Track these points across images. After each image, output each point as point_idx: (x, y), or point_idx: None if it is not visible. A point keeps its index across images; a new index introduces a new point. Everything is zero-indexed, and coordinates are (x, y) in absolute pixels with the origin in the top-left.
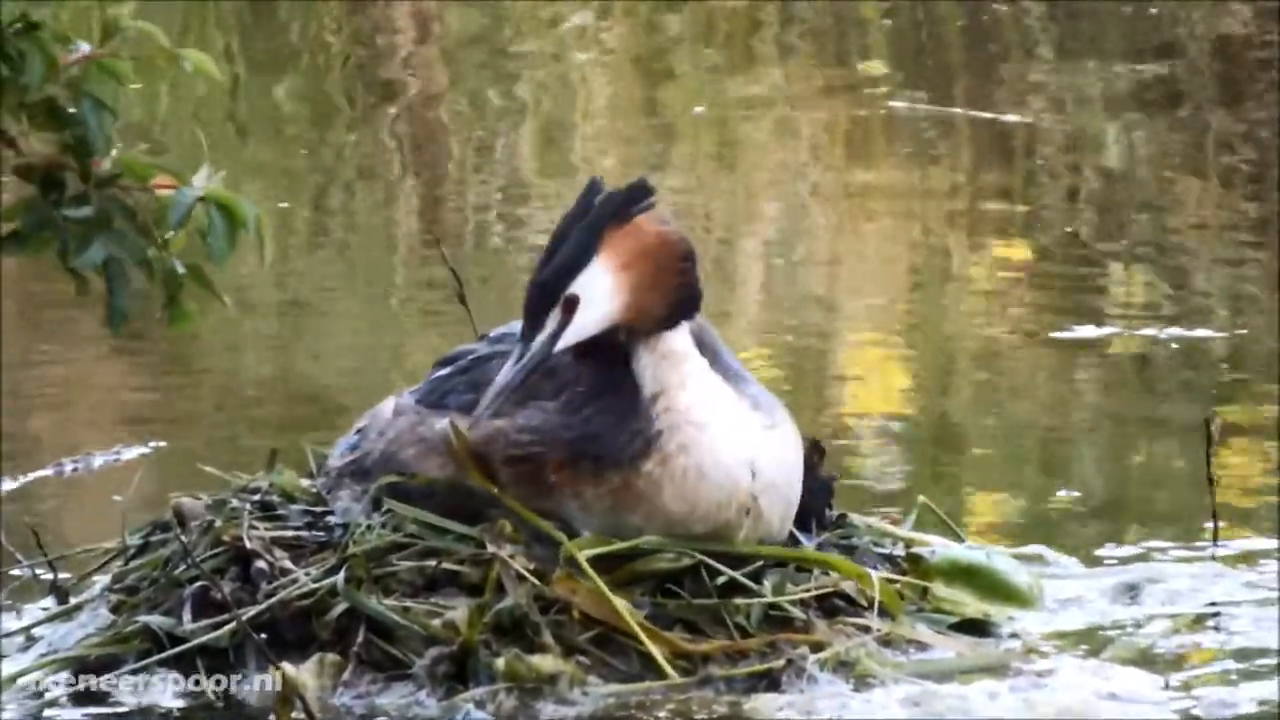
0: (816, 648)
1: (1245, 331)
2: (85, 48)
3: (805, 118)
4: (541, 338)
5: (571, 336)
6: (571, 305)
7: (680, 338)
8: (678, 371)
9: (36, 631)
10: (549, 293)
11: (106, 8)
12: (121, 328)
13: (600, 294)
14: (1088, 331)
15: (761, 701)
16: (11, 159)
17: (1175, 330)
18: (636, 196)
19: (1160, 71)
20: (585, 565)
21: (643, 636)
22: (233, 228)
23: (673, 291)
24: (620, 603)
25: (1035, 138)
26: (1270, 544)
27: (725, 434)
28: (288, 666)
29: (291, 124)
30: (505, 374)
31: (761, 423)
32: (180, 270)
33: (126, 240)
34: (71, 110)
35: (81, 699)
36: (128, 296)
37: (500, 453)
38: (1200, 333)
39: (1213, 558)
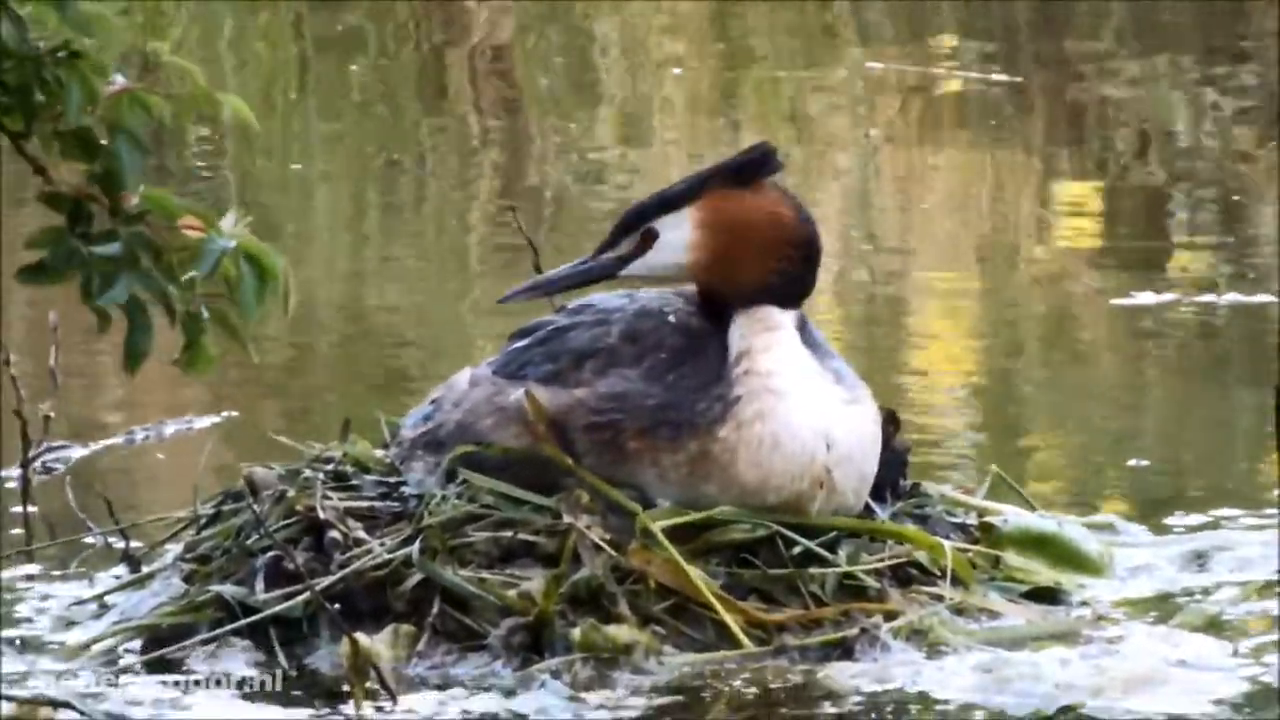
0: (890, 616)
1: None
2: (121, 80)
3: (878, 87)
4: (610, 255)
5: (639, 268)
6: (649, 238)
7: (779, 311)
8: (765, 337)
9: (109, 600)
10: (635, 218)
11: (149, 42)
12: (138, 368)
13: (675, 241)
14: (1148, 298)
15: (835, 670)
16: (40, 185)
17: (1234, 296)
18: (754, 161)
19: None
20: (660, 535)
21: (718, 606)
22: (262, 282)
23: (770, 274)
24: (695, 573)
25: (1106, 110)
26: None
27: (803, 405)
28: (362, 637)
29: (363, 92)
30: (559, 270)
31: (841, 396)
32: (204, 315)
33: (150, 279)
34: (103, 142)
35: (154, 667)
36: (149, 338)
37: (579, 421)
38: (1260, 298)
39: None
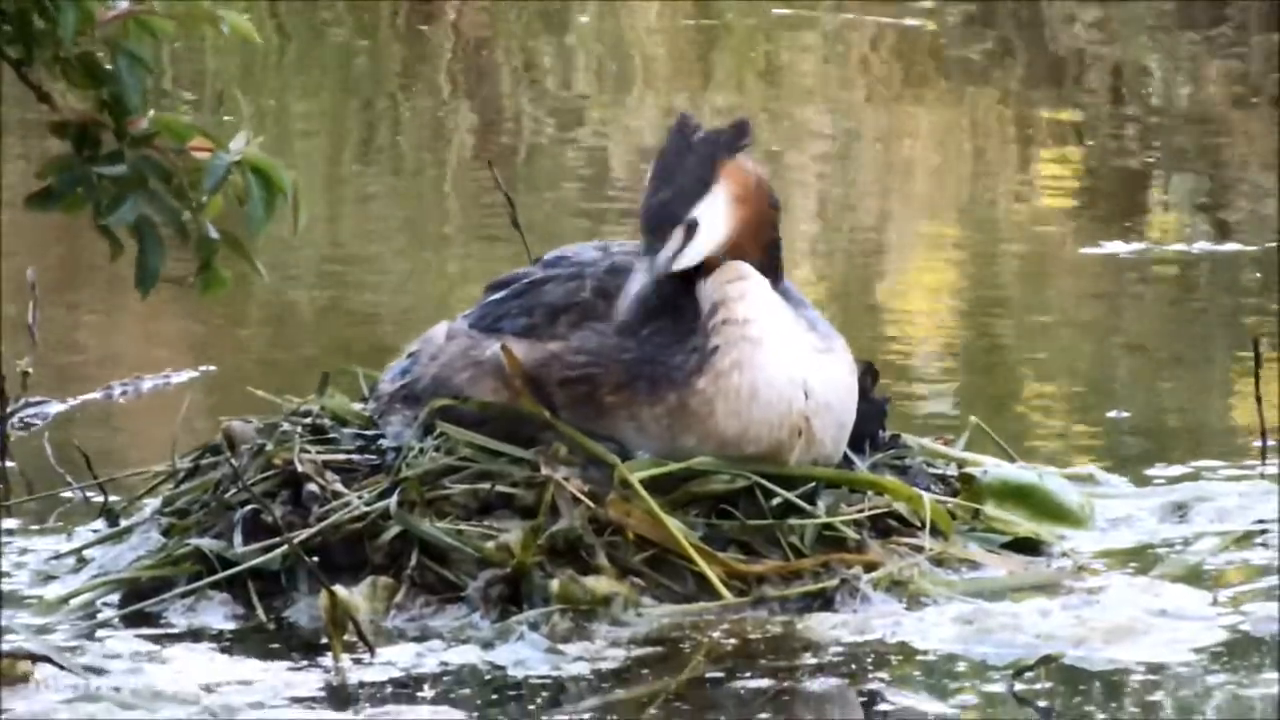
0: (870, 568)
1: (1271, 245)
2: (124, 3)
3: (854, 38)
4: (666, 254)
5: (690, 258)
6: (693, 229)
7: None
8: (738, 285)
9: (87, 554)
10: (670, 213)
11: None
12: (150, 289)
13: (716, 221)
14: (1125, 250)
15: (815, 621)
16: (47, 115)
17: (1210, 246)
18: (743, 134)
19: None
20: (638, 486)
21: (697, 558)
22: (270, 195)
23: (764, 243)
24: (674, 524)
25: (1084, 61)
26: None
27: (779, 353)
28: (340, 590)
29: (339, 49)
30: (638, 283)
31: (816, 345)
32: (214, 236)
33: (160, 201)
34: (108, 67)
35: (132, 621)
36: (160, 257)
37: (555, 375)
38: (1230, 247)
39: (1261, 476)
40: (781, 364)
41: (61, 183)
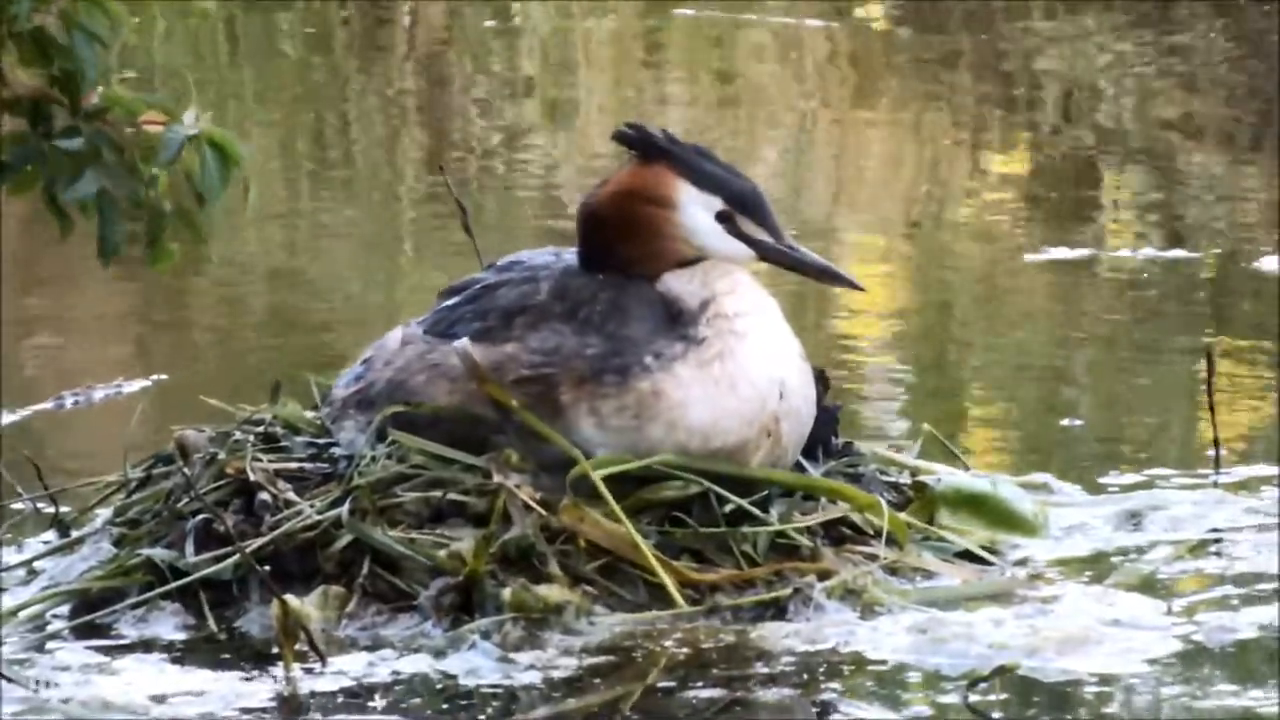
0: (823, 576)
1: (1219, 251)
2: None
3: (804, 42)
4: (775, 242)
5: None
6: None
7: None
8: (728, 279)
9: (38, 565)
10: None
11: None
12: (111, 260)
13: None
14: (1077, 257)
15: (769, 630)
16: None
17: (1161, 253)
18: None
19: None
20: (599, 484)
21: (655, 565)
22: (225, 167)
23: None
24: (630, 529)
25: (1032, 69)
26: (1271, 470)
27: (763, 349)
28: (291, 599)
29: (291, 56)
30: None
31: (798, 348)
32: (166, 210)
33: (116, 174)
34: (61, 43)
35: (83, 632)
36: (119, 229)
37: (510, 375)
38: (1181, 253)
39: (1214, 484)
40: (764, 361)
41: (15, 158)
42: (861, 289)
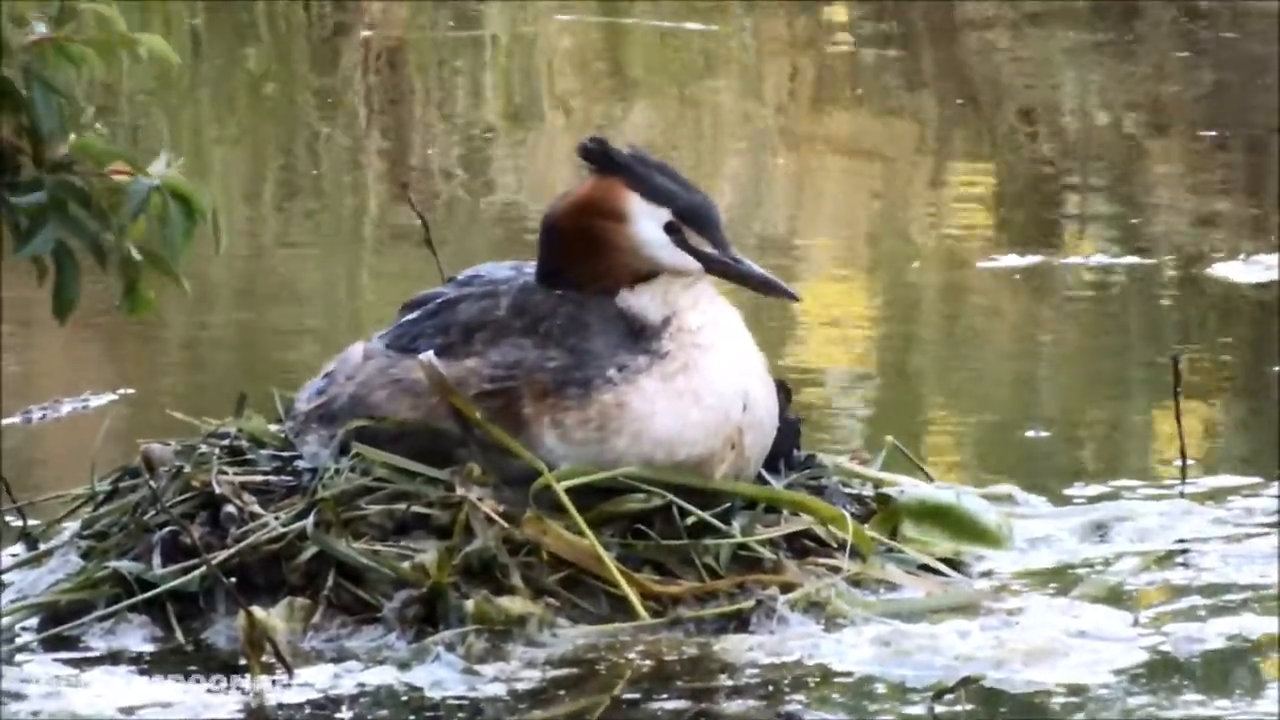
0: (786, 588)
1: (1173, 258)
2: (42, 29)
3: (765, 57)
4: (721, 254)
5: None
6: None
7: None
8: (689, 294)
9: (6, 578)
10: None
11: None
12: (68, 317)
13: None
14: (1041, 268)
15: (732, 643)
16: None
17: (1127, 260)
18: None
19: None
20: (563, 496)
21: (618, 577)
22: (190, 219)
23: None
24: (591, 543)
25: (996, 80)
26: (1237, 480)
27: (726, 361)
28: (257, 611)
29: (253, 73)
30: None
31: (760, 361)
32: (137, 257)
33: (78, 225)
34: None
35: (51, 645)
36: (77, 285)
37: (471, 390)
38: (1147, 262)
39: (1181, 495)
40: (728, 373)
41: None
42: (798, 299)
